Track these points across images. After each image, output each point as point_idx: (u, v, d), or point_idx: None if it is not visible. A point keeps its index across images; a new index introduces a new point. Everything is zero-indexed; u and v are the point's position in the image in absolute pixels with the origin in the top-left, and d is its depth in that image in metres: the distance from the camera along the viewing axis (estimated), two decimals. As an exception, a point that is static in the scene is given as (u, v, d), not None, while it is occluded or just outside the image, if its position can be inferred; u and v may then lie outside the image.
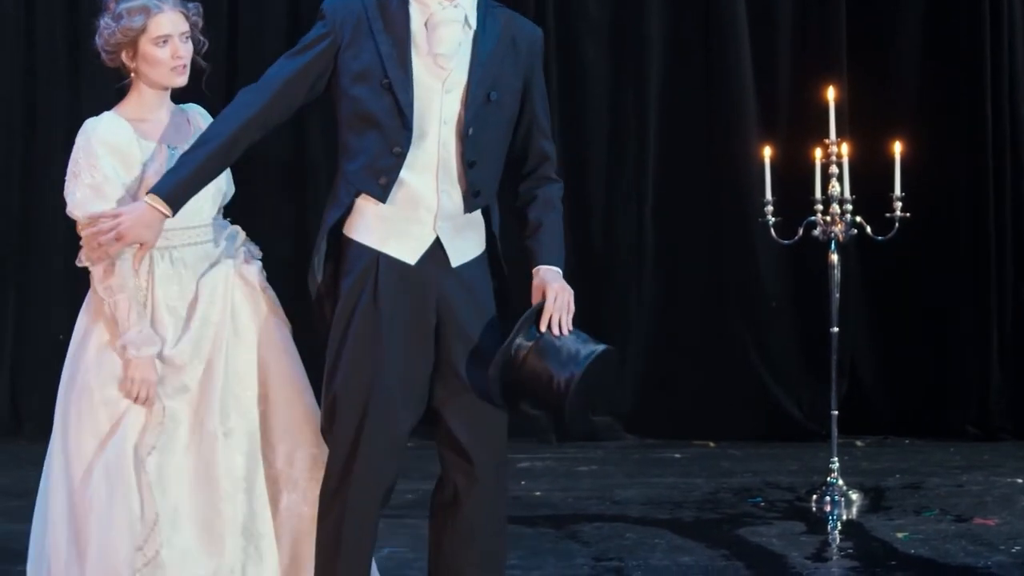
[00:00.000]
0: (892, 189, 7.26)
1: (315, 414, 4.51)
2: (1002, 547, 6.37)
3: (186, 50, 4.53)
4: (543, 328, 4.24)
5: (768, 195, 7.44)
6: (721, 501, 7.42)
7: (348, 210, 4.30)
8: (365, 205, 4.29)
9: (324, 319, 4.38)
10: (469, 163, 4.26)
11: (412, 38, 4.24)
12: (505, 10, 4.40)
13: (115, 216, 4.29)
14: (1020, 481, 7.78)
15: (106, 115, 4.54)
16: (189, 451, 4.46)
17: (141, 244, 4.33)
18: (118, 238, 4.28)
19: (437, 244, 4.29)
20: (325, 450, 4.43)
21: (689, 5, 9.28)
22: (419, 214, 4.27)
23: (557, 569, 6.11)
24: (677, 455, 8.73)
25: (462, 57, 4.26)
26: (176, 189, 4.26)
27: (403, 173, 4.24)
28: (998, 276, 9.05)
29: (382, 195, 4.24)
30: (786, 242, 7.45)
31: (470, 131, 4.25)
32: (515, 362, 4.21)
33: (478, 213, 4.36)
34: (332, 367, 4.32)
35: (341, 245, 4.33)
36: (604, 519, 7.00)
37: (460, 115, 4.25)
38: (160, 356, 4.44)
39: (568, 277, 9.41)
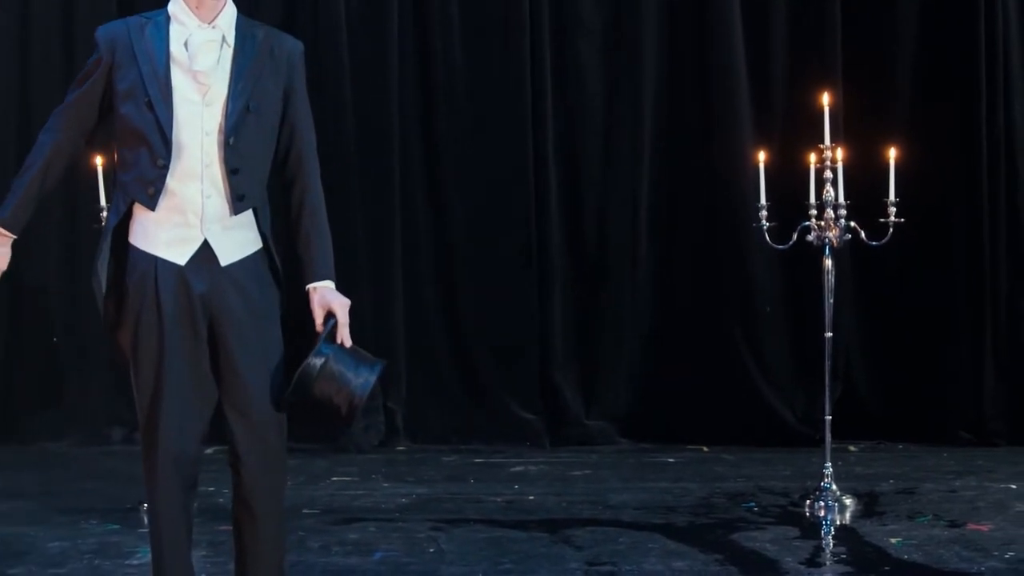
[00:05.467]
0: (886, 194, 7.26)
1: None
2: (995, 553, 6.36)
3: None
4: (337, 341, 4.59)
5: (762, 200, 7.44)
6: (715, 506, 7.41)
7: (125, 217, 4.65)
8: (140, 212, 4.64)
9: (108, 317, 4.69)
10: (232, 170, 4.60)
11: (172, 57, 4.62)
12: (264, 26, 4.78)
13: None
14: (1014, 487, 7.78)
15: None
16: None
17: None
18: None
19: (206, 245, 4.62)
20: None
21: (684, 10, 9.28)
22: (187, 218, 4.61)
23: (550, 574, 6.10)
24: (671, 460, 8.72)
25: (221, 73, 4.64)
26: (13, 213, 4.67)
27: (170, 182, 4.59)
28: (992, 282, 9.06)
29: (151, 204, 4.60)
30: (780, 247, 7.44)
31: (231, 140, 4.60)
32: (311, 378, 4.52)
33: (249, 214, 4.66)
34: (132, 361, 4.63)
35: (125, 250, 4.68)
36: (598, 524, 7.00)
37: (221, 126, 4.61)
38: None
39: (562, 280, 9.31)
